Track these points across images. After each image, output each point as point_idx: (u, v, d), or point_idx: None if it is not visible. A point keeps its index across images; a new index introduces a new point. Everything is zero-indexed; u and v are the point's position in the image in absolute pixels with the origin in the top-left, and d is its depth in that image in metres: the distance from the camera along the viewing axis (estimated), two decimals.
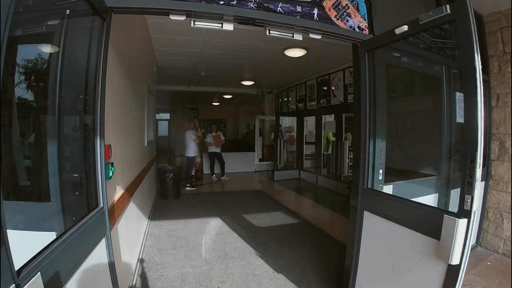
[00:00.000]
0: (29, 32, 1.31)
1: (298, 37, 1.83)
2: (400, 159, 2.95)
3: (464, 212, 1.45)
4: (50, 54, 1.43)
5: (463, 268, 1.47)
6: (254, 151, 9.26)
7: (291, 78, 7.64)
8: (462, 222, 1.42)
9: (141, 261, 2.91)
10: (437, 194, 2.81)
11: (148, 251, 3.15)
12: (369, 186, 2.07)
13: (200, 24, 1.64)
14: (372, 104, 2.00)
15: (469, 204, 1.43)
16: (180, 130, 6.87)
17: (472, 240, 1.54)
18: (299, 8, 1.85)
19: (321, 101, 6.83)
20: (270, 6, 1.77)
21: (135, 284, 2.53)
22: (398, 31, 1.89)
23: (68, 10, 1.36)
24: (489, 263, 2.93)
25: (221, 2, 1.65)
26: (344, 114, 6.34)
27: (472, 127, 1.42)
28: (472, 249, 3.11)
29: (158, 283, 2.52)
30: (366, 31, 2.19)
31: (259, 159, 9.33)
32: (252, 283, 2.55)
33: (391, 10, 2.30)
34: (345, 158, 6.23)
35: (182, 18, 1.64)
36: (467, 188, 1.43)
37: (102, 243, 1.50)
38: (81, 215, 1.41)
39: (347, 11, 2.06)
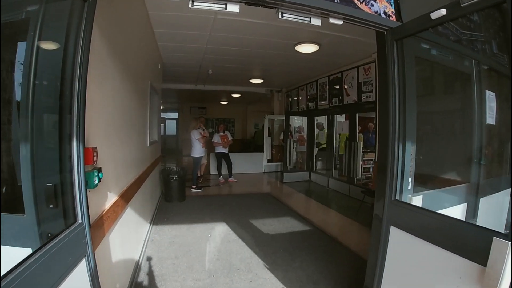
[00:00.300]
0: None
1: (316, 22, 1.55)
2: (425, 164, 2.64)
3: None
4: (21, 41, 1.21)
5: None
6: (262, 151, 9.00)
7: (302, 76, 7.33)
8: None
9: (138, 271, 2.68)
10: (466, 204, 2.50)
11: (147, 260, 2.92)
12: (397, 197, 1.78)
13: (200, 4, 1.38)
14: (401, 102, 1.71)
15: None
16: (188, 130, 6.66)
17: None
18: None
19: (333, 100, 6.51)
20: None
21: None
22: (434, 15, 1.59)
23: None
24: None
25: None
26: (358, 114, 6.03)
27: None
28: None
29: None
30: (393, 18, 1.90)
31: (268, 159, 9.05)
32: None
33: None
34: (358, 160, 5.91)
35: None
36: None
37: (82, 266, 1.26)
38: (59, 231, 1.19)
39: None
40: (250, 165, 8.65)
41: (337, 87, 6.33)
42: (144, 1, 3.09)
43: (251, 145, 12.51)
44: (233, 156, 7.47)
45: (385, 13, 1.87)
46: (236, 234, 3.68)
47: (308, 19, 1.54)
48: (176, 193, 5.09)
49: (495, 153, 2.65)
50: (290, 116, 8.34)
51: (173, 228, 3.85)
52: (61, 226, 1.26)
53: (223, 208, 4.85)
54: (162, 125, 14.48)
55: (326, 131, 7.64)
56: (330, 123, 7.01)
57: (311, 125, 7.81)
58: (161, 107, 12.15)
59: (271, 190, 6.59)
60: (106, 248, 1.84)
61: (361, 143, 6.02)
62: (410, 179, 1.85)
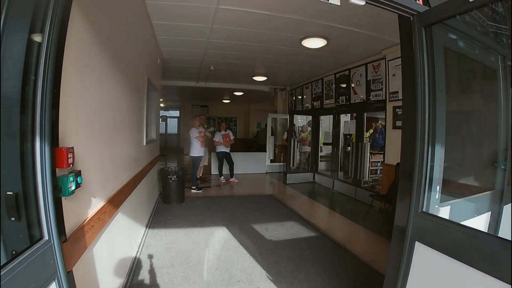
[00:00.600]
0: None
1: (335, 0, 1.31)
2: (449, 169, 2.40)
3: None
4: None
5: None
6: (265, 151, 8.75)
7: (307, 73, 7.08)
8: None
9: (130, 281, 2.46)
10: (489, 213, 2.27)
11: (140, 269, 2.69)
12: (424, 208, 1.54)
13: None
14: (431, 99, 1.46)
15: None
16: (188, 128, 6.44)
17: None
18: None
19: (339, 99, 6.26)
20: None
21: None
22: None
23: None
24: None
25: None
26: (365, 114, 5.78)
27: None
28: None
29: None
30: (420, 1, 1.66)
31: (271, 160, 8.81)
32: None
33: None
34: (366, 162, 5.66)
35: None
36: None
37: None
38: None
39: None
40: (252, 165, 8.41)
41: (344, 85, 6.07)
42: None
43: (254, 144, 12.28)
44: (235, 156, 7.23)
45: None
46: (237, 240, 3.44)
47: None
48: (175, 194, 4.86)
49: None
50: (294, 115, 8.09)
51: (170, 232, 3.62)
52: (26, 244, 1.04)
53: (223, 210, 4.62)
54: (163, 123, 14.29)
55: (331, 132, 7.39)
56: (336, 123, 6.75)
57: (316, 124, 7.55)
58: (162, 105, 11.98)
59: (274, 192, 6.35)
60: (89, 262, 1.62)
61: (369, 144, 5.77)
62: (438, 187, 1.60)
